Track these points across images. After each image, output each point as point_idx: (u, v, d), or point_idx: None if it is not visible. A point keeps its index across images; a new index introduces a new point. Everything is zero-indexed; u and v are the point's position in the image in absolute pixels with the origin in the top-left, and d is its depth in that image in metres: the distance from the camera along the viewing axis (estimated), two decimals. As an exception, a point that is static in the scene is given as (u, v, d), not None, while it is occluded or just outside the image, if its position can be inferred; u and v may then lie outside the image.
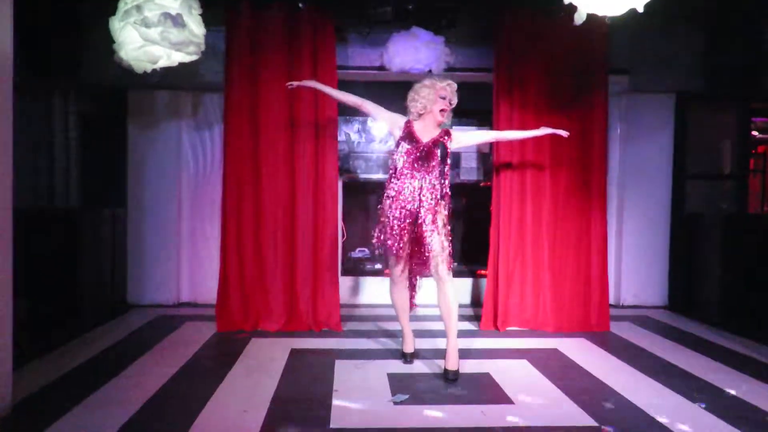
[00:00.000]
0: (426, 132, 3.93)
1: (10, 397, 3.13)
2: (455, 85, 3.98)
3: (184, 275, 5.98)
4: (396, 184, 3.88)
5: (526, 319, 5.14)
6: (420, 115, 3.94)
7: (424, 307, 4.79)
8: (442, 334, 4.85)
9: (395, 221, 3.84)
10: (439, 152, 3.88)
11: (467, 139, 4.22)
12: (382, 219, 3.96)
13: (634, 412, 3.25)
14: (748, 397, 3.49)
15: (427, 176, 3.84)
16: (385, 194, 3.96)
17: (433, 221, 3.80)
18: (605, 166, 5.25)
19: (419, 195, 3.82)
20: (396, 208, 3.85)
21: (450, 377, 3.74)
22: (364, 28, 5.50)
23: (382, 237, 3.95)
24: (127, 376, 3.74)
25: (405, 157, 3.87)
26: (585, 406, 3.31)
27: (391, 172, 3.96)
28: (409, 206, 3.83)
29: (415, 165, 3.85)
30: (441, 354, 4.29)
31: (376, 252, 4.07)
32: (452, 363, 3.78)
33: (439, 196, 3.84)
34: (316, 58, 5.01)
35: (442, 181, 3.88)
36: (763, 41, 5.67)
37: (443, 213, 3.88)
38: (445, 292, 3.80)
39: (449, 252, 3.82)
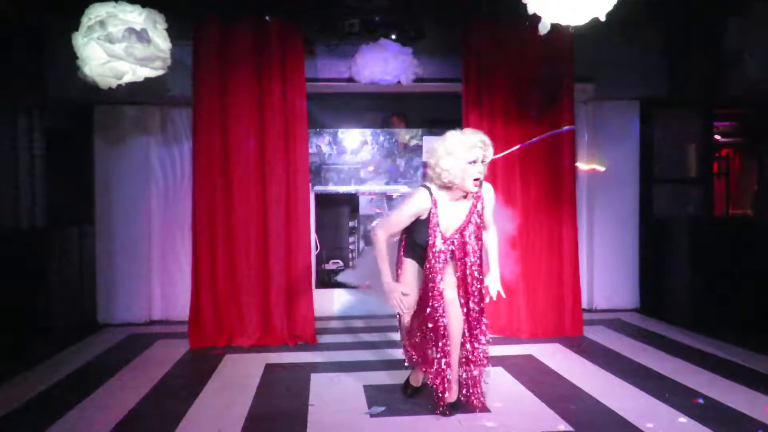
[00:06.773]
0: (454, 211, 3.27)
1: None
2: (487, 140, 3.18)
3: (155, 292, 5.88)
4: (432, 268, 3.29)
5: (501, 326, 5.15)
6: (446, 186, 3.23)
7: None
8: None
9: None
10: (473, 238, 3.29)
11: (489, 210, 3.40)
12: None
13: (609, 416, 3.28)
14: (721, 397, 3.54)
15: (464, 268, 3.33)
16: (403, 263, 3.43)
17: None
18: (574, 172, 5.32)
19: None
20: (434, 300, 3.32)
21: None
22: (333, 40, 5.52)
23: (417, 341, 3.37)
24: (96, 399, 3.66)
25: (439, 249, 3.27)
26: (560, 412, 3.33)
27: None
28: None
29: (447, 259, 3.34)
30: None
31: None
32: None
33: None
34: (285, 71, 5.00)
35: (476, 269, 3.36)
36: (723, 48, 5.81)
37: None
38: None
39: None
